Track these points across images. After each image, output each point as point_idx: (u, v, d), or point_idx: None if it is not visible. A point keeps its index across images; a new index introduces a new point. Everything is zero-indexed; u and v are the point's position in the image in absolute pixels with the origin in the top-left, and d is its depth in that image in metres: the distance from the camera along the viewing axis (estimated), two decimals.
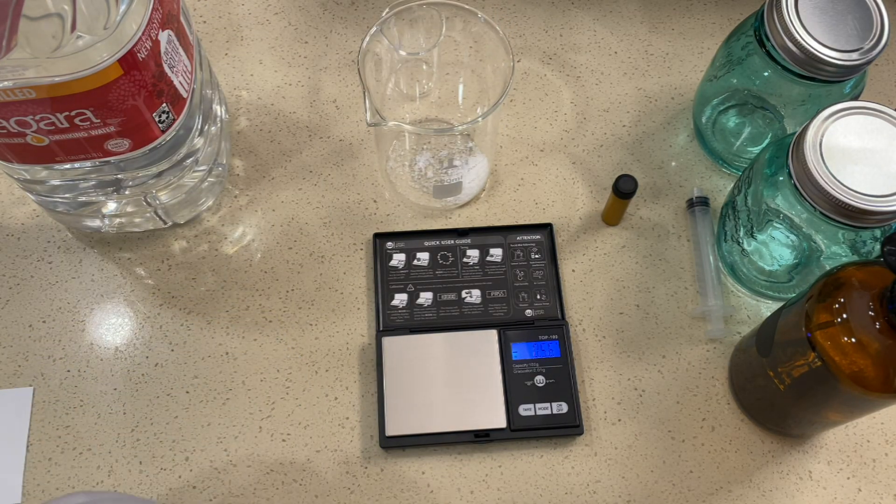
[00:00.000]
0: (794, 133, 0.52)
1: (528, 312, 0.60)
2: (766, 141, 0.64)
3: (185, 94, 0.54)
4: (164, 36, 0.50)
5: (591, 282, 0.62)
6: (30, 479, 0.56)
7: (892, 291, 0.43)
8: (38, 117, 0.48)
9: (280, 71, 0.69)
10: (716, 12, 0.73)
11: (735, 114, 0.65)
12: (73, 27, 0.44)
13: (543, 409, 0.56)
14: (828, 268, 0.50)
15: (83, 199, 0.58)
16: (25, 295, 0.61)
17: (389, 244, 0.62)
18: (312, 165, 0.66)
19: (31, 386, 0.58)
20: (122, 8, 0.46)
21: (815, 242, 0.53)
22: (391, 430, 0.55)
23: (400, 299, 0.60)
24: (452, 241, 0.62)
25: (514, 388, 0.57)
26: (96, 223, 0.61)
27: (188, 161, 0.58)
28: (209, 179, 0.62)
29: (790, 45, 0.53)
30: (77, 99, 0.47)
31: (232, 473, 0.56)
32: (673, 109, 0.69)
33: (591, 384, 0.59)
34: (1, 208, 0.64)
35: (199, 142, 0.58)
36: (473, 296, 0.60)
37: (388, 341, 0.58)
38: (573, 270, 0.62)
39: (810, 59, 0.53)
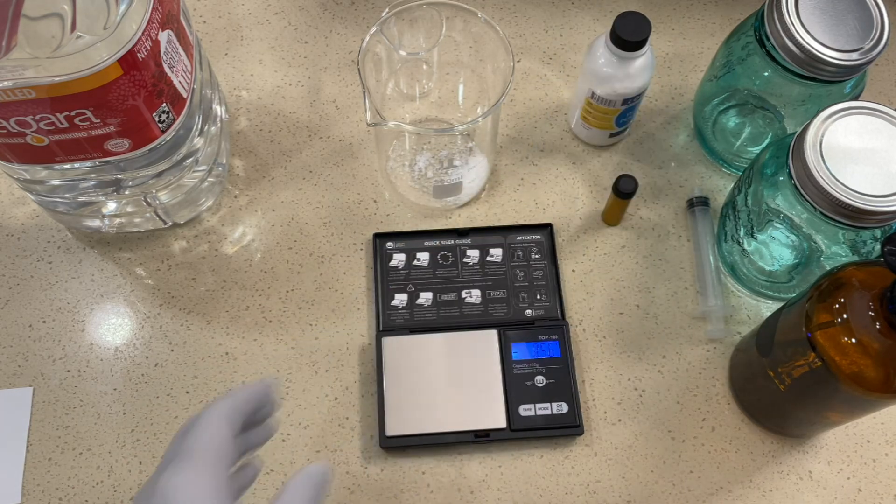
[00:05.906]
0: (794, 133, 0.52)
1: (528, 312, 0.60)
2: (766, 141, 0.64)
3: (185, 94, 0.54)
4: (164, 36, 0.50)
5: (591, 282, 0.62)
6: (30, 479, 0.56)
7: (892, 291, 0.43)
8: (38, 117, 0.48)
9: (280, 71, 0.69)
10: (716, 12, 0.73)
11: (735, 114, 0.65)
12: (73, 27, 0.44)
13: (543, 409, 0.56)
14: (828, 268, 0.50)
15: (83, 199, 0.58)
16: (25, 295, 0.61)
17: (389, 244, 0.62)
18: (312, 165, 0.66)
19: (31, 386, 0.58)
20: (122, 8, 0.46)
21: (815, 242, 0.53)
22: (391, 430, 0.55)
23: (400, 299, 0.60)
24: (452, 241, 0.62)
25: (514, 388, 0.57)
26: (96, 223, 0.61)
27: (188, 161, 0.58)
28: (209, 179, 0.62)
29: (790, 45, 0.53)
30: (77, 99, 0.47)
31: None
32: (673, 109, 0.69)
33: (591, 384, 0.59)
34: (1, 208, 0.64)
35: (199, 142, 0.58)
36: (473, 296, 0.60)
37: (388, 341, 0.58)
38: (573, 270, 0.62)
39: (810, 59, 0.53)
